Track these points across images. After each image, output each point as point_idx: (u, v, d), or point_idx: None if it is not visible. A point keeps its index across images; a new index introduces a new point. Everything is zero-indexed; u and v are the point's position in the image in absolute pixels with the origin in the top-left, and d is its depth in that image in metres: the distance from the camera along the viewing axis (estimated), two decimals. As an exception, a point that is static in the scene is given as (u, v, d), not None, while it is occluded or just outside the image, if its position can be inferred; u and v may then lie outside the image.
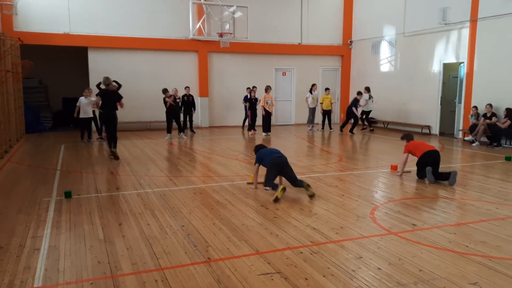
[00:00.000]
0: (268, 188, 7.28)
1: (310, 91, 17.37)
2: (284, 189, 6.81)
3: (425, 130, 16.21)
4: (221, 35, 16.45)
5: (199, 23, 17.14)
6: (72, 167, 9.78)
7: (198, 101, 18.03)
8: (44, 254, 4.72)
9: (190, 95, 16.00)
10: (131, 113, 16.67)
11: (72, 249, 4.89)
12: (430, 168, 7.97)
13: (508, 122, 12.68)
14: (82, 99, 13.46)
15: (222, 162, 10.45)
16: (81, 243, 5.07)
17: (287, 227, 5.61)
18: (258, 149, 7.69)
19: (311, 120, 17.56)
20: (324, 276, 4.17)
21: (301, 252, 4.76)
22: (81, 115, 13.36)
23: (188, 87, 16.08)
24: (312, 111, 17.51)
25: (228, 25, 16.80)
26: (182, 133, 15.07)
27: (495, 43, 13.58)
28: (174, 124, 14.97)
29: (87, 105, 13.43)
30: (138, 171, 9.26)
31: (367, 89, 17.54)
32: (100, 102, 10.58)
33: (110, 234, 5.36)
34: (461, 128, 14.96)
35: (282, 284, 4.00)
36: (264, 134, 15.66)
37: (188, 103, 15.98)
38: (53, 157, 11.08)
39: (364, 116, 17.46)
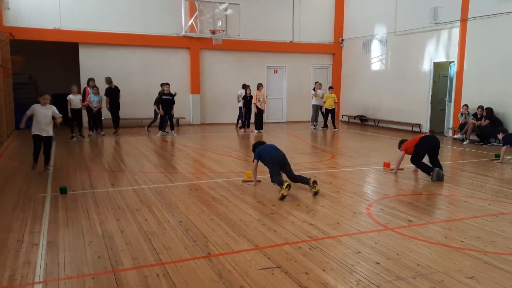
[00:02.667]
0: (276, 184, 7.23)
1: (314, 89, 17.40)
2: (288, 186, 6.83)
3: (416, 128, 16.37)
4: (213, 32, 16.44)
5: (191, 20, 17.12)
6: (65, 163, 9.74)
7: (189, 98, 18.03)
8: (43, 249, 4.71)
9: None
10: (122, 110, 16.57)
11: (71, 244, 4.89)
12: (438, 169, 8.05)
13: (487, 121, 12.97)
14: (71, 96, 13.52)
15: (216, 159, 10.46)
16: (80, 238, 5.07)
17: (284, 223, 5.66)
18: (257, 146, 7.69)
19: (314, 118, 17.54)
20: (324, 270, 4.22)
21: (300, 247, 4.80)
22: (72, 106, 13.47)
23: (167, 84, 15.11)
24: (315, 108, 17.50)
25: (220, 22, 16.81)
26: (173, 130, 15.02)
27: (485, 42, 13.76)
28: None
29: (76, 101, 13.55)
30: (132, 168, 9.25)
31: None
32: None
33: (108, 229, 5.36)
34: (451, 126, 15.13)
35: (283, 278, 4.05)
36: (256, 131, 15.70)
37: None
38: (45, 153, 10.97)
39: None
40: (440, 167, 8.23)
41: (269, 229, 5.40)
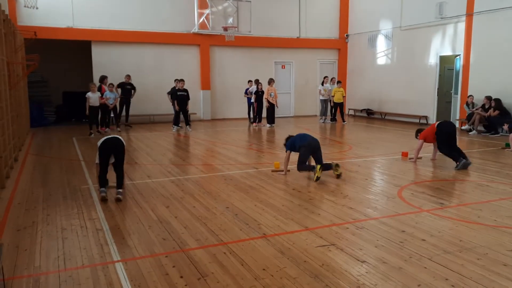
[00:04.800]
0: (304, 171, 7.81)
1: (322, 83, 17.77)
2: (322, 167, 7.44)
3: (423, 120, 16.78)
4: (225, 29, 16.76)
5: (203, 17, 17.42)
6: (94, 158, 10.00)
7: (200, 94, 18.36)
8: (108, 234, 5.05)
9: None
10: (135, 106, 16.95)
11: (133, 228, 5.23)
12: (465, 161, 8.43)
13: (497, 111, 13.37)
14: (89, 94, 13.75)
15: (238, 151, 10.82)
16: (139, 223, 5.41)
17: (325, 207, 6.03)
18: (289, 138, 8.10)
19: (323, 112, 17.91)
20: (376, 247, 4.59)
21: (347, 228, 5.17)
22: (91, 104, 13.76)
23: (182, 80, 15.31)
24: (324, 103, 17.85)
25: (231, 19, 17.14)
26: (188, 125, 15.31)
27: (491, 36, 14.16)
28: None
29: (94, 99, 13.83)
30: (161, 161, 9.58)
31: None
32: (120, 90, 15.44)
33: (162, 215, 5.70)
34: (457, 118, 15.55)
35: (340, 254, 4.41)
36: (268, 125, 16.05)
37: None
38: (70, 149, 11.31)
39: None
40: (464, 156, 8.54)
41: (313, 213, 5.77)
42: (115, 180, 6.67)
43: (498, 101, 13.50)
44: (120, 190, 6.48)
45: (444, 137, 8.74)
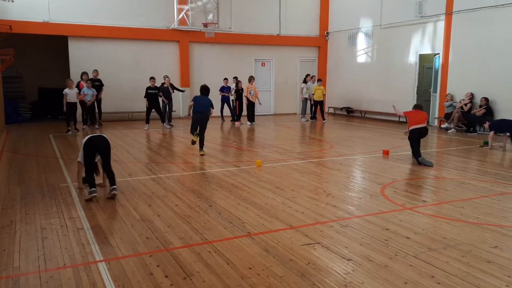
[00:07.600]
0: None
1: (305, 81, 17.77)
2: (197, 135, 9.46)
3: (402, 119, 16.92)
4: (205, 25, 16.62)
5: (183, 13, 17.23)
6: (72, 155, 9.80)
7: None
8: (90, 233, 4.93)
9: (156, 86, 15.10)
10: (113, 103, 16.73)
11: (115, 227, 5.13)
12: (423, 158, 8.76)
13: (483, 110, 13.51)
14: (67, 90, 13.45)
15: (219, 149, 10.74)
16: (121, 222, 5.30)
17: (309, 205, 6.00)
18: (201, 89, 9.84)
19: (304, 110, 17.95)
20: (361, 245, 4.59)
21: (332, 226, 5.16)
22: (68, 100, 13.45)
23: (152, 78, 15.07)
24: (305, 101, 17.86)
25: (211, 15, 17.00)
26: (164, 123, 15.11)
27: (470, 35, 14.37)
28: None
29: (72, 95, 13.55)
30: (141, 159, 9.44)
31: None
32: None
33: (144, 214, 5.60)
34: (436, 116, 15.75)
35: (326, 252, 4.39)
36: (248, 123, 16.00)
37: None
38: (47, 146, 11.06)
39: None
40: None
41: (297, 211, 5.74)
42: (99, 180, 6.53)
43: (487, 99, 13.57)
44: (115, 186, 6.34)
45: (414, 139, 8.91)
